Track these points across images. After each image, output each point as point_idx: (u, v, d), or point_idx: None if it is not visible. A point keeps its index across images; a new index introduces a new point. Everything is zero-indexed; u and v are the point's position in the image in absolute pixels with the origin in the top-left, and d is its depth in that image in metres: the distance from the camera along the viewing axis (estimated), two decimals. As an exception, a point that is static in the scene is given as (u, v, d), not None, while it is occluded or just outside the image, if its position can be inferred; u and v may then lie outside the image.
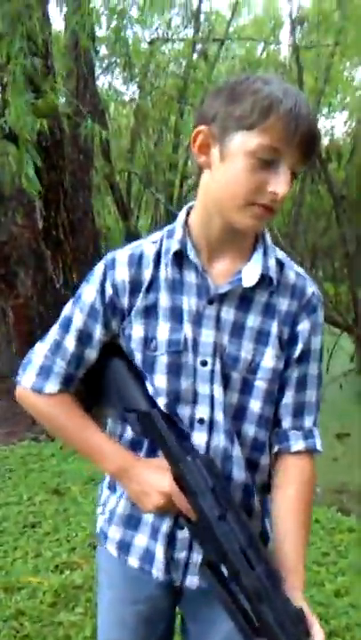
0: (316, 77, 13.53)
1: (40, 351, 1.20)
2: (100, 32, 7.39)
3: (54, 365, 1.18)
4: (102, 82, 10.43)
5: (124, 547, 1.23)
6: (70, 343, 1.17)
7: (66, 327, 1.18)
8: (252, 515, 1.20)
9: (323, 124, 16.26)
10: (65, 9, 5.58)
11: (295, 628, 0.95)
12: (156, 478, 1.11)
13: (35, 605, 2.58)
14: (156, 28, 11.69)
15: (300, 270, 1.20)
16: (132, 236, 10.33)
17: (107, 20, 5.89)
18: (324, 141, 15.63)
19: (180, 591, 1.26)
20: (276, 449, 1.21)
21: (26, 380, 1.19)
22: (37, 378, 1.18)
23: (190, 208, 1.18)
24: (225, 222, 1.10)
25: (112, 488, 1.28)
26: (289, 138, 0.99)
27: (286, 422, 1.20)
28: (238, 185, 1.03)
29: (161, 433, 1.11)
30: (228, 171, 1.04)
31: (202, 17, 12.36)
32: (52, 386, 1.18)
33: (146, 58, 11.00)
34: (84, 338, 1.17)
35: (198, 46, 12.10)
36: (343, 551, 3.19)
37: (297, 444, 1.19)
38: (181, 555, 1.19)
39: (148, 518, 1.20)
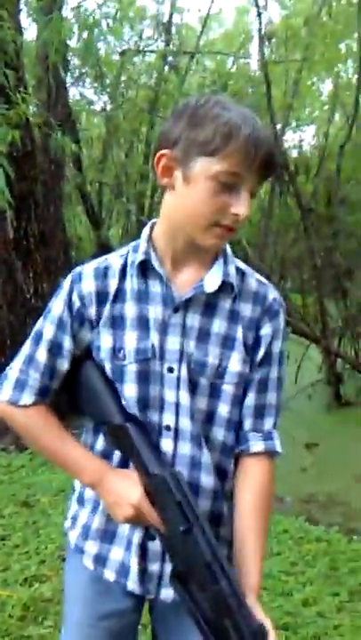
0: (285, 92, 13.75)
1: (15, 365, 1.22)
2: (72, 41, 7.46)
3: (28, 378, 1.21)
4: (73, 92, 10.45)
5: (101, 560, 1.24)
6: (42, 355, 1.20)
7: (37, 340, 1.21)
8: (220, 521, 1.22)
9: (291, 137, 16.58)
10: (36, 22, 5.59)
11: None
12: (126, 490, 1.13)
13: (3, 619, 2.56)
14: (128, 40, 11.79)
15: (262, 278, 1.25)
16: (103, 245, 10.34)
17: (78, 31, 5.93)
18: (293, 154, 15.90)
19: (154, 604, 1.27)
20: (236, 450, 1.23)
21: (3, 394, 1.22)
22: (13, 391, 1.21)
23: (154, 223, 1.23)
24: (188, 239, 1.15)
25: (81, 502, 1.29)
26: (248, 163, 1.05)
27: (247, 424, 1.22)
28: (201, 208, 1.08)
29: (133, 446, 1.13)
30: (191, 194, 1.09)
31: (173, 30, 12.50)
32: (28, 397, 1.20)
33: (117, 69, 11.06)
34: (54, 349, 1.20)
35: (170, 59, 12.22)
36: (311, 561, 3.23)
37: (256, 445, 1.21)
38: (155, 566, 1.20)
39: (124, 531, 1.22)
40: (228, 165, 1.05)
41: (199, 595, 1.03)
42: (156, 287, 1.17)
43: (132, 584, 1.21)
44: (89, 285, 1.18)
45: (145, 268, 1.17)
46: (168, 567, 1.19)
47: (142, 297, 1.17)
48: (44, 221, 6.02)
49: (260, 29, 8.36)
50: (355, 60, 13.87)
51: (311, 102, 16.99)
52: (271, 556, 3.22)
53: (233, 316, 1.19)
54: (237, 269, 1.22)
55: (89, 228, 10.87)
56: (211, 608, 1.01)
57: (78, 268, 1.22)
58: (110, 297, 1.18)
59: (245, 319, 1.19)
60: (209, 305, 1.18)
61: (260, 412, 1.22)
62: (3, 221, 5.36)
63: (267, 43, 13.36)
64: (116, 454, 1.21)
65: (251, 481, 1.20)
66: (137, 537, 1.20)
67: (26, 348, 1.23)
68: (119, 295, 1.18)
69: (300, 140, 16.49)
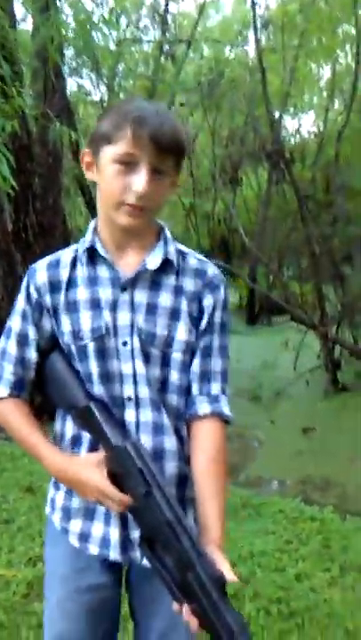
0: (283, 79, 13.73)
1: None
2: (69, 32, 7.49)
3: (3, 371, 1.33)
4: (71, 83, 10.48)
5: (84, 537, 1.33)
6: (12, 348, 1.32)
7: (8, 334, 1.34)
8: (186, 482, 1.30)
9: (291, 123, 16.56)
10: (32, 16, 5.63)
11: (217, 591, 1.08)
12: (88, 475, 1.22)
13: (8, 596, 2.67)
14: (125, 30, 11.78)
15: (201, 257, 1.37)
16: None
17: (75, 24, 5.96)
18: (294, 140, 15.90)
19: (130, 577, 1.37)
20: (187, 416, 1.31)
21: None
22: None
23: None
24: (114, 223, 1.26)
25: (56, 486, 1.39)
26: (139, 142, 1.17)
27: (194, 388, 1.31)
28: (109, 189, 1.21)
29: (97, 423, 1.23)
30: (102, 179, 1.23)
31: (169, 19, 12.49)
32: (3, 390, 1.32)
33: (114, 59, 11.08)
34: (22, 340, 1.32)
35: (166, 48, 12.23)
36: (305, 539, 3.34)
37: (203, 407, 1.29)
38: (136, 534, 1.28)
39: (102, 507, 1.30)
40: (121, 148, 1.18)
41: (165, 555, 1.13)
42: (103, 271, 1.28)
43: (114, 554, 1.30)
44: (42, 277, 1.30)
45: (92, 256, 1.29)
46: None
47: (92, 281, 1.28)
48: (43, 213, 6.10)
49: (254, 16, 8.38)
50: (353, 45, 13.86)
51: (310, 89, 16.96)
52: (267, 535, 3.34)
53: (177, 291, 1.30)
54: (179, 251, 1.33)
55: (89, 218, 10.95)
56: (176, 566, 1.11)
57: (33, 265, 1.35)
58: (63, 285, 1.29)
59: (189, 292, 1.30)
60: (154, 282, 1.29)
61: (205, 377, 1.31)
62: (1, 214, 5.44)
63: (263, 30, 13.35)
64: (86, 438, 1.30)
65: (202, 444, 1.28)
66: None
67: (0, 343, 1.35)
68: (71, 282, 1.29)
69: (298, 126, 16.47)
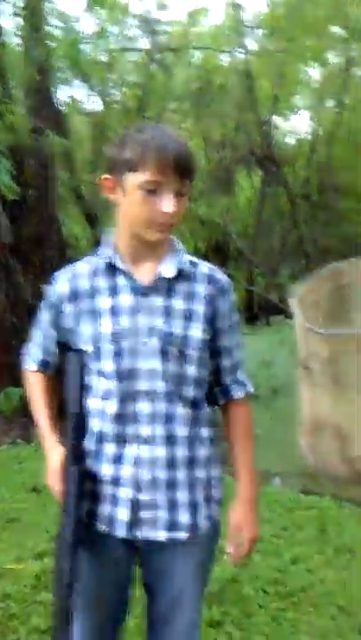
0: (273, 82, 13.89)
1: (29, 344, 1.64)
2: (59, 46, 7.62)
3: (33, 352, 1.62)
4: (61, 95, 10.64)
5: (93, 515, 1.47)
6: (39, 337, 1.60)
7: (37, 325, 1.60)
8: (195, 464, 1.46)
9: (284, 125, 16.69)
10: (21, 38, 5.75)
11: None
12: (52, 457, 1.48)
13: (19, 588, 2.81)
14: (115, 40, 11.94)
15: (210, 265, 1.55)
16: (99, 243, 10.52)
17: (63, 41, 6.11)
18: (291, 141, 16.02)
19: (142, 553, 1.50)
20: (222, 401, 1.56)
21: (25, 363, 1.64)
22: (26, 360, 1.63)
23: (112, 232, 1.52)
24: (139, 238, 1.43)
25: None
26: (163, 170, 1.34)
27: (227, 379, 1.55)
28: (138, 212, 1.38)
29: (69, 433, 1.47)
30: (128, 203, 1.39)
31: (159, 27, 12.64)
32: (33, 365, 1.61)
33: (104, 69, 11.25)
34: (45, 333, 1.58)
35: (157, 56, 12.40)
36: (302, 525, 3.48)
37: (238, 393, 1.55)
38: (145, 515, 1.43)
39: (107, 490, 1.45)
40: (146, 176, 1.34)
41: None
42: (122, 281, 1.46)
43: (122, 532, 1.44)
44: (63, 287, 1.50)
45: (112, 269, 1.46)
46: (153, 513, 1.43)
47: (113, 290, 1.46)
48: (39, 225, 6.25)
49: (239, 22, 8.53)
50: (342, 46, 14.03)
51: (302, 90, 17.12)
52: (263, 523, 3.46)
53: (190, 296, 1.47)
54: (190, 261, 1.52)
55: (86, 227, 11.11)
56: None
57: (56, 274, 1.55)
58: (86, 294, 1.47)
59: (203, 296, 1.48)
60: (170, 289, 1.46)
61: (234, 369, 1.56)
62: (-1, 226, 5.59)
63: (251, 34, 13.52)
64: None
65: (238, 419, 1.57)
66: (124, 492, 1.44)
67: (33, 331, 1.62)
68: (93, 292, 1.47)
69: (289, 128, 16.60)
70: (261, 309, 13.38)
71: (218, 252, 15.32)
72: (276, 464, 4.81)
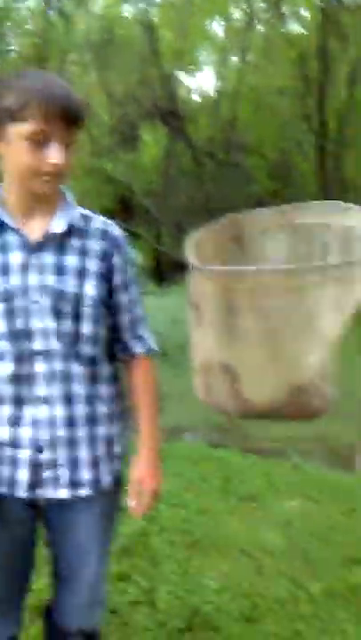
0: (177, 35, 13.68)
1: None
2: None
3: None
4: None
5: None
6: None
7: None
8: (96, 422, 1.46)
9: (187, 81, 16.54)
10: None
11: None
12: None
13: None
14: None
15: (105, 219, 1.50)
16: None
17: None
18: (196, 98, 15.90)
19: (44, 512, 1.50)
20: (123, 358, 1.54)
21: None
22: None
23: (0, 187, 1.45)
24: (27, 190, 1.37)
25: None
26: (49, 119, 1.27)
27: (127, 336, 1.52)
28: (23, 162, 1.31)
29: None
30: (13, 154, 1.32)
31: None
32: None
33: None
34: None
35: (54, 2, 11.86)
36: (208, 477, 3.60)
37: (137, 348, 1.53)
38: (46, 474, 1.43)
39: (6, 452, 1.43)
40: (32, 125, 1.27)
41: None
42: (11, 238, 1.40)
43: (23, 492, 1.44)
44: None
45: (0, 226, 1.40)
46: (58, 472, 1.43)
47: (2, 248, 1.39)
48: None
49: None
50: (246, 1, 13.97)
51: (206, 46, 16.97)
52: (171, 477, 3.57)
53: (83, 252, 1.43)
54: (82, 215, 1.47)
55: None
56: None
57: None
58: None
59: (96, 252, 1.44)
60: (61, 245, 1.41)
61: (134, 325, 1.53)
62: None
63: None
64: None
65: (139, 378, 1.55)
66: (23, 453, 1.43)
67: None
68: None
69: (194, 85, 16.50)
70: (170, 269, 13.44)
71: (125, 211, 15.18)
72: (185, 420, 4.94)
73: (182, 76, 14.94)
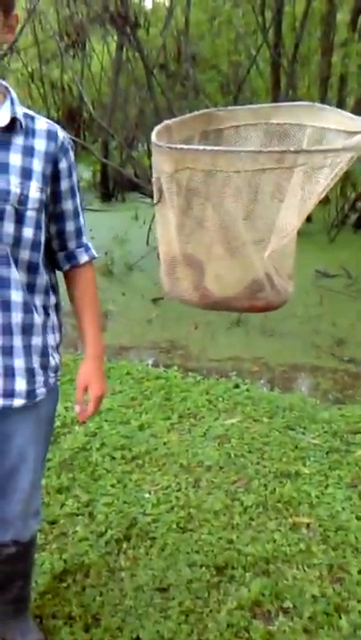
0: None
1: None
2: None
3: None
4: None
5: None
6: None
7: None
8: (32, 332, 1.44)
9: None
10: None
11: None
12: None
13: None
14: None
15: (49, 121, 1.45)
16: None
17: None
18: (147, 5, 15.02)
19: None
20: (68, 267, 1.55)
21: None
22: None
23: None
24: None
25: None
26: None
27: (72, 244, 1.53)
28: None
29: None
30: None
31: None
32: None
33: None
34: None
35: None
36: (149, 395, 3.65)
37: (82, 257, 1.56)
38: None
39: None
40: None
41: None
42: None
43: None
44: None
45: None
46: None
47: None
48: None
49: None
50: None
51: None
52: (114, 394, 3.60)
53: (28, 151, 1.37)
54: (26, 114, 1.39)
55: None
56: None
57: None
58: None
59: (41, 153, 1.38)
60: (6, 142, 1.34)
61: (78, 233, 1.53)
62: None
63: None
64: None
65: (83, 282, 1.57)
66: None
67: None
68: None
69: (148, -12, 15.51)
70: (116, 185, 13.08)
71: (72, 122, 14.53)
72: (129, 339, 4.95)
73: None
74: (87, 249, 1.57)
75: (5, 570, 1.64)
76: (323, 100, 11.55)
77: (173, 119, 1.47)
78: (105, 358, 4.36)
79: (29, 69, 14.37)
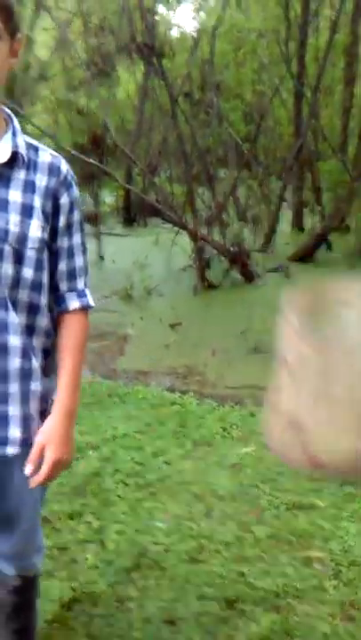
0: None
1: None
2: None
3: None
4: None
5: None
6: None
7: None
8: (31, 377, 1.36)
9: (166, 15, 15.89)
10: None
11: None
12: None
13: None
14: None
15: (54, 152, 1.38)
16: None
17: None
18: (174, 33, 15.33)
19: None
20: (56, 311, 1.41)
21: None
22: None
23: None
24: None
25: None
26: None
27: (63, 286, 1.40)
28: None
29: None
30: None
31: None
32: None
33: None
34: None
35: None
36: (164, 421, 3.64)
37: (73, 303, 1.41)
38: None
39: None
40: None
41: None
42: None
43: None
44: None
45: None
46: None
47: None
48: None
49: None
50: None
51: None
52: (130, 419, 3.60)
53: (28, 187, 1.31)
54: (29, 144, 1.34)
55: None
56: None
57: None
58: None
59: (42, 189, 1.32)
60: (3, 177, 1.29)
61: (72, 275, 1.41)
62: None
63: None
64: None
65: (72, 332, 1.41)
66: None
67: None
68: None
69: (175, 21, 15.87)
70: (138, 210, 13.23)
71: (97, 148, 14.77)
72: (146, 363, 4.96)
73: (162, 9, 14.37)
74: (80, 295, 1.42)
75: (11, 601, 1.61)
76: (345, 130, 11.61)
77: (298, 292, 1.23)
78: (120, 383, 4.44)
79: (57, 96, 14.67)
